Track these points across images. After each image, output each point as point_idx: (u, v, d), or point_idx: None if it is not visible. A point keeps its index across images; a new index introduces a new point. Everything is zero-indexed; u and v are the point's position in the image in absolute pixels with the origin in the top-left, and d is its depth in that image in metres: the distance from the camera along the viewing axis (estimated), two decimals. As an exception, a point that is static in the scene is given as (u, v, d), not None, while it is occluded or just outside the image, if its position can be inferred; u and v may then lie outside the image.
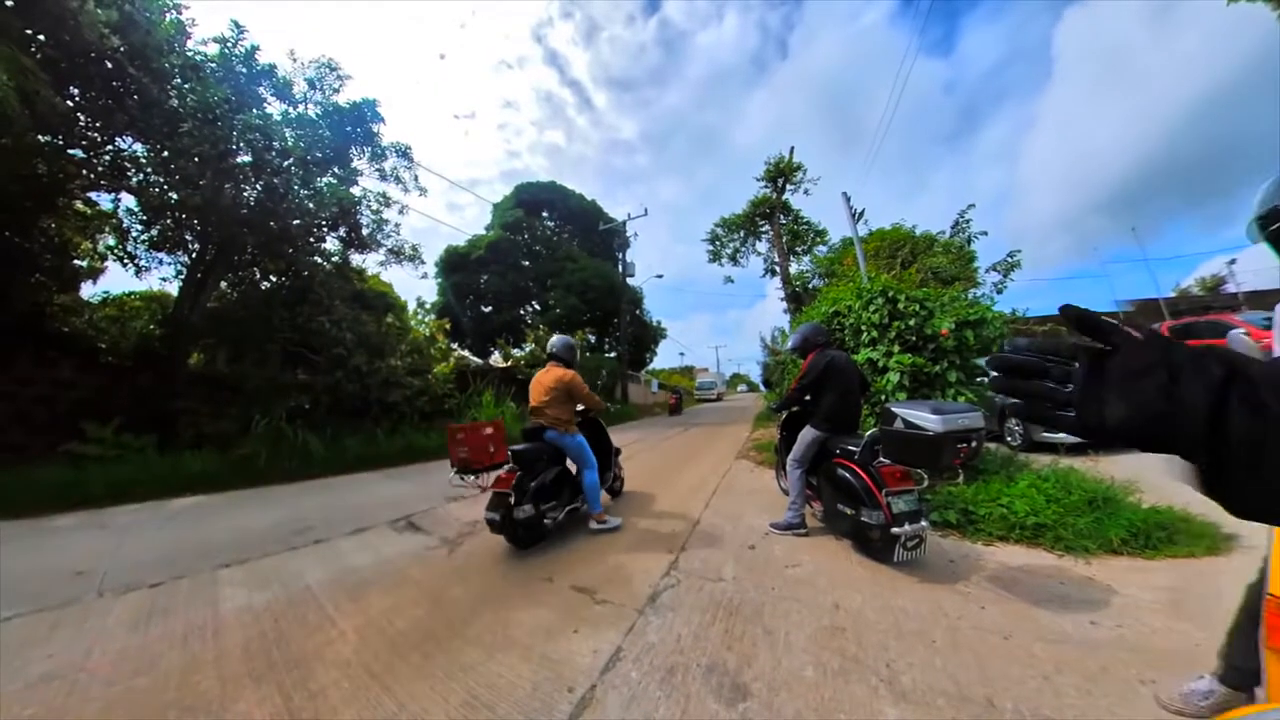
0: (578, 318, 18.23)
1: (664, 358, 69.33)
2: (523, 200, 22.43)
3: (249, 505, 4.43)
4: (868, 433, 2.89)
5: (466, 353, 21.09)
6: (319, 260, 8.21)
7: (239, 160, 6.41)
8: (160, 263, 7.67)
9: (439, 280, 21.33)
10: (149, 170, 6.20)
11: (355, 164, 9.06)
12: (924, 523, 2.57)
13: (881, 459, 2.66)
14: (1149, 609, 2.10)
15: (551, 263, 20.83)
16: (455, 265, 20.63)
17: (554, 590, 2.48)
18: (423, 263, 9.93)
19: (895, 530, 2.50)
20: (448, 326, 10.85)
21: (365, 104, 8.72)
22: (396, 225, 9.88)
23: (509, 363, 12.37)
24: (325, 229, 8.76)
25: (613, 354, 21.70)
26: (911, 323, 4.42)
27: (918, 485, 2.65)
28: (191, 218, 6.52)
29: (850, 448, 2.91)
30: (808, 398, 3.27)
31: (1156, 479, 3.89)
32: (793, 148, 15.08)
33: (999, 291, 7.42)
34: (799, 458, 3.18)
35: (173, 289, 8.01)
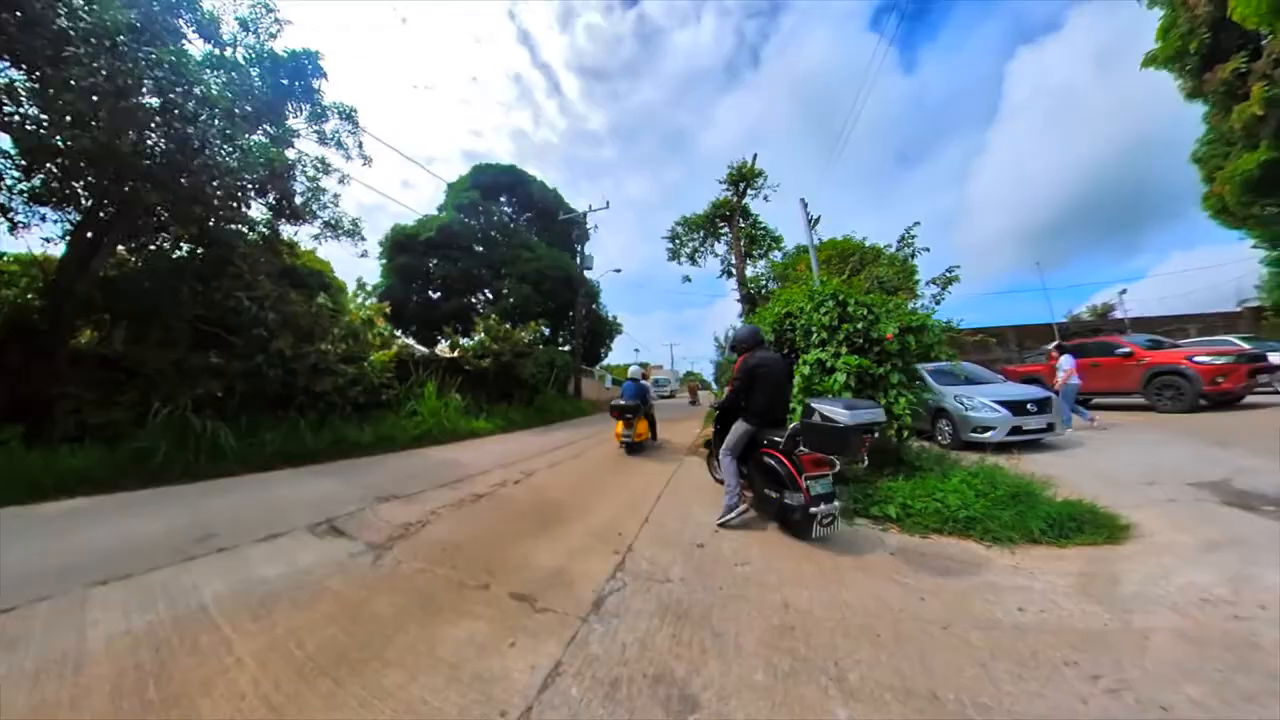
0: (531, 308, 17.70)
1: (619, 353, 69.26)
2: (480, 182, 21.43)
3: (141, 509, 3.86)
4: (792, 424, 3.21)
5: (411, 340, 20.00)
6: (241, 229, 7.33)
7: (144, 101, 5.53)
8: (42, 219, 6.53)
9: (383, 261, 20.03)
10: (28, 103, 5.21)
11: (291, 123, 8.19)
12: (836, 503, 2.98)
13: (802, 448, 2.99)
14: (1064, 594, 2.26)
15: (507, 250, 20.10)
16: (402, 246, 19.42)
17: (490, 599, 2.30)
18: (363, 239, 9.17)
19: (813, 510, 2.87)
20: (388, 310, 10.10)
21: (306, 55, 7.87)
22: (335, 196, 9.06)
23: (456, 353, 11.77)
24: (251, 193, 7.86)
25: (566, 347, 21.32)
26: (860, 326, 4.56)
27: (832, 470, 3.04)
28: (82, 166, 5.57)
29: (776, 439, 3.25)
30: (743, 395, 3.60)
31: (1070, 475, 4.32)
32: (755, 155, 15.32)
33: (937, 303, 7.88)
34: (731, 447, 3.53)
35: (58, 252, 6.89)
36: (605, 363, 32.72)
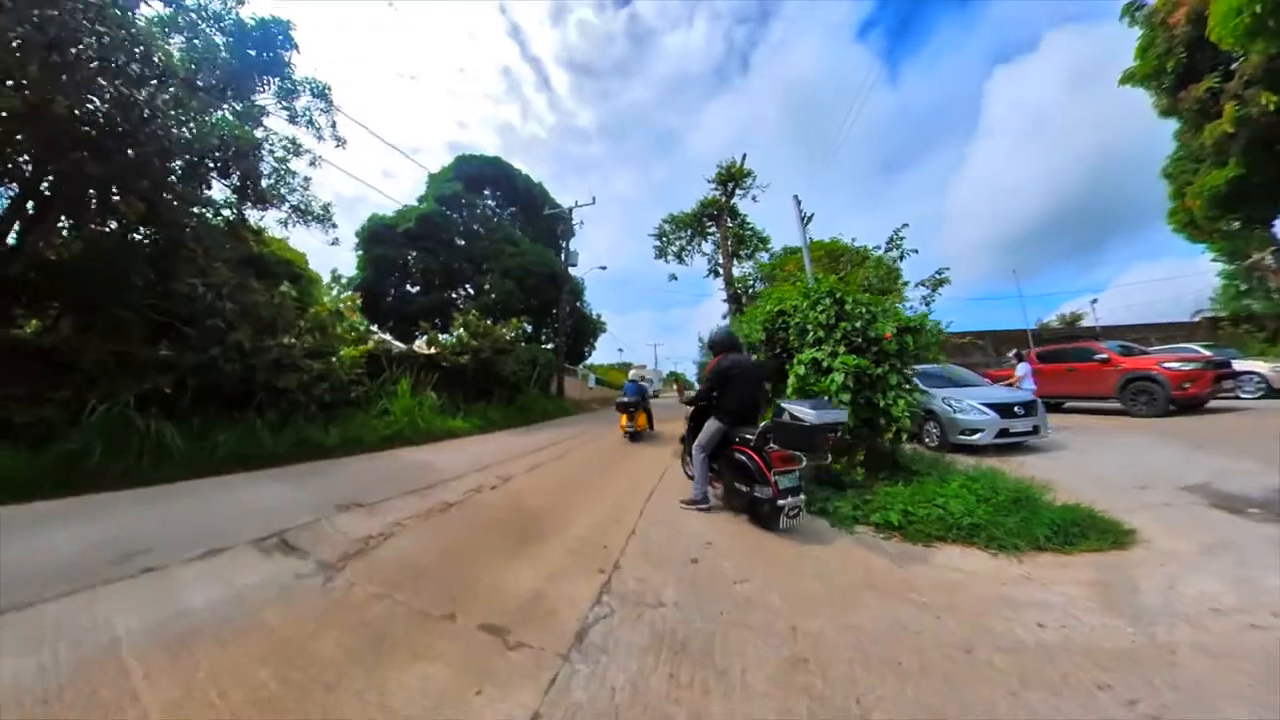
0: (514, 305, 17.25)
1: (603, 352, 68.86)
2: (463, 173, 20.83)
3: (61, 520, 3.40)
4: (763, 423, 3.43)
5: (388, 336, 19.32)
6: (196, 209, 6.77)
7: (83, 58, 4.99)
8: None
9: (359, 253, 19.31)
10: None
11: (259, 99, 7.66)
12: (802, 496, 3.18)
13: (772, 445, 3.20)
14: (1083, 607, 2.15)
15: (489, 244, 19.58)
16: (379, 237, 18.74)
17: (456, 632, 2.01)
18: (334, 225, 8.68)
19: (780, 502, 3.07)
20: (359, 301, 9.57)
21: (275, 24, 7.35)
22: (306, 179, 8.54)
23: (434, 349, 11.31)
24: (212, 173, 7.31)
25: (550, 345, 20.91)
26: (858, 324, 4.42)
27: (799, 466, 3.21)
28: (11, 128, 5.00)
29: (748, 436, 3.42)
30: (715, 394, 3.81)
31: (1062, 478, 4.26)
32: (744, 155, 15.22)
33: (927, 304, 7.84)
34: (704, 444, 3.73)
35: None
36: (589, 361, 32.37)
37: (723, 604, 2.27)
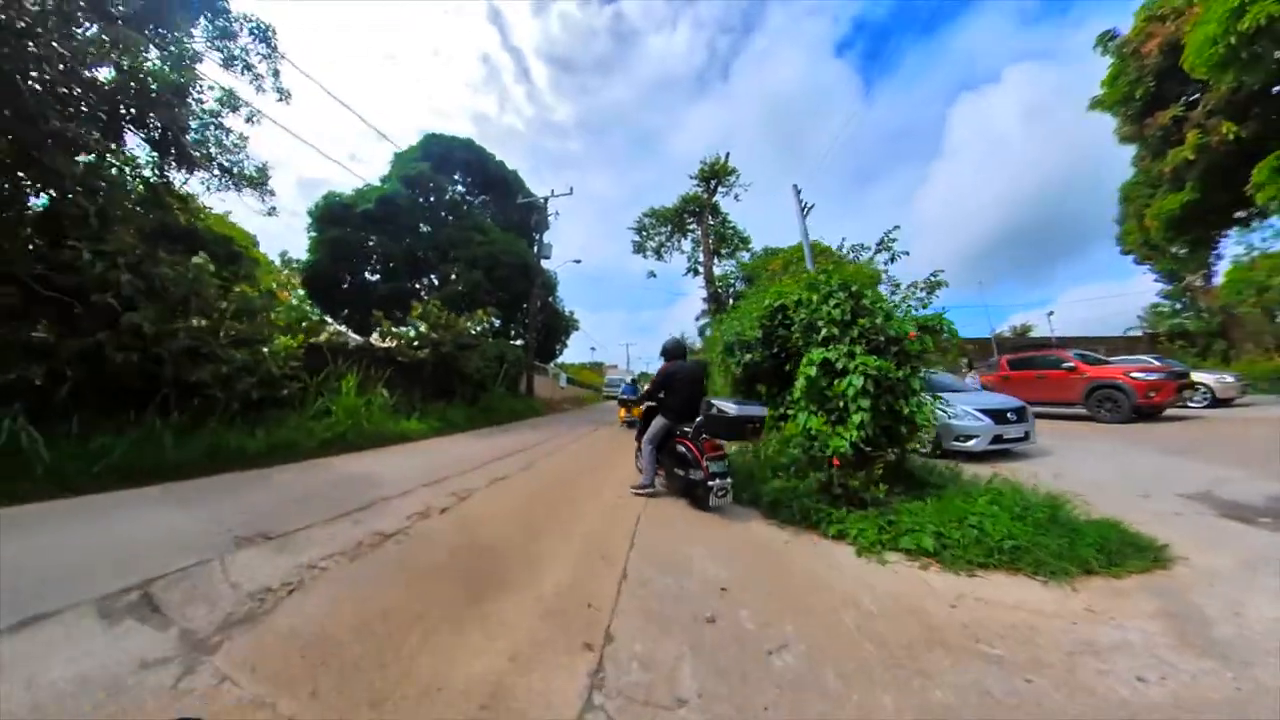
0: (481, 297, 16.19)
1: (575, 351, 67.72)
2: (432, 153, 19.44)
3: None
4: (698, 419, 4.10)
5: (344, 327, 17.88)
6: (85, 159, 5.58)
7: None
8: None
9: (313, 234, 17.75)
10: None
11: (190, 41, 6.49)
12: (729, 480, 3.79)
13: (705, 435, 3.91)
14: (1165, 645, 1.95)
15: (457, 231, 18.41)
16: (335, 217, 17.25)
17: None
18: (271, 192, 7.56)
19: (710, 483, 3.67)
20: (295, 282, 8.36)
21: None
22: (243, 137, 7.39)
23: (389, 342, 10.27)
24: (124, 119, 6.13)
25: (519, 342, 19.93)
26: (878, 320, 3.94)
27: (724, 453, 3.89)
28: None
29: (686, 429, 4.15)
30: (661, 395, 4.41)
31: (1064, 486, 3.94)
32: (728, 153, 14.80)
33: (924, 307, 7.63)
34: (652, 438, 4.36)
35: None
36: (561, 360, 31.44)
37: (762, 690, 1.67)
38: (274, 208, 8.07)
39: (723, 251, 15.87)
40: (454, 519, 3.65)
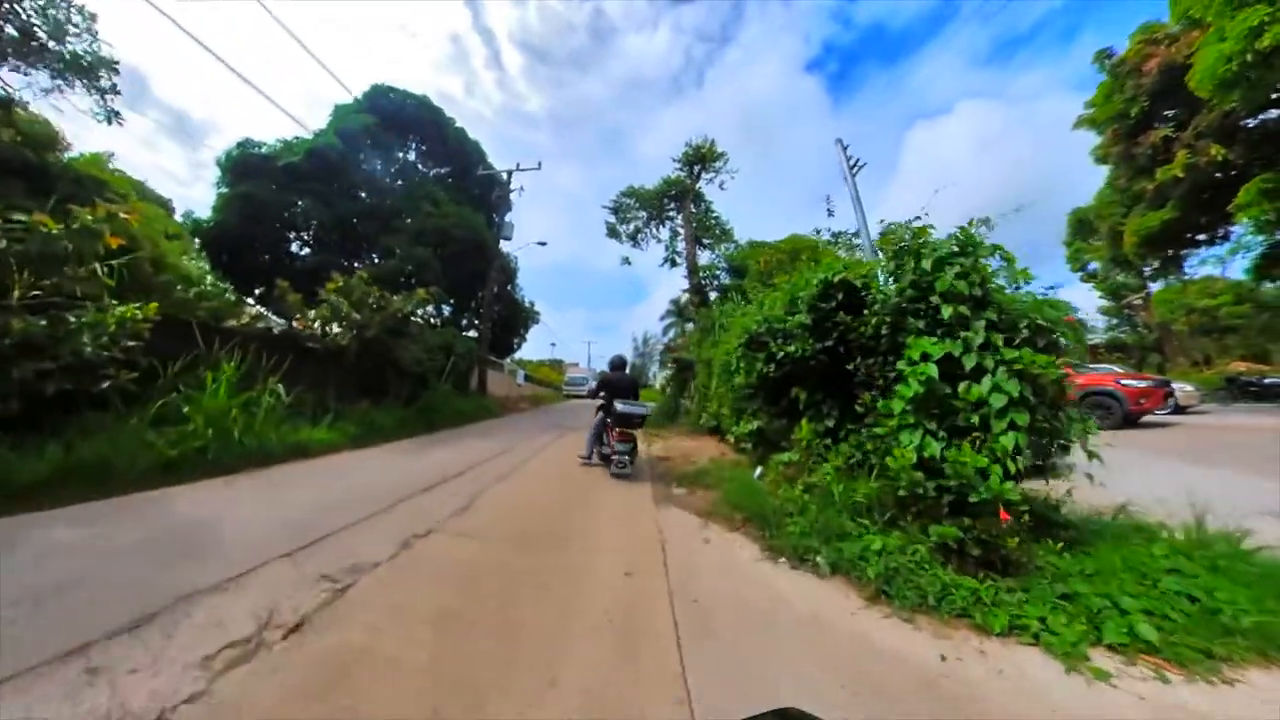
0: (428, 277, 13.95)
1: (534, 346, 64.89)
2: (380, 108, 16.75)
3: None
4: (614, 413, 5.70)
5: (263, 309, 15.03)
6: None
7: None
8: None
9: (222, 190, 14.81)
10: None
11: None
12: (628, 457, 5.46)
13: (616, 427, 5.65)
14: None
15: (405, 200, 16.01)
16: (251, 169, 14.42)
17: None
18: (116, 91, 5.37)
19: (613, 456, 5.44)
20: (129, 213, 5.43)
21: None
22: (91, 16, 5.14)
23: (296, 322, 8.11)
24: None
25: (472, 332, 17.76)
26: (1019, 307, 2.90)
27: (630, 440, 5.53)
28: None
29: (609, 421, 5.90)
30: (601, 395, 6.30)
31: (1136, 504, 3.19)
32: (713, 139, 13.44)
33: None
34: (594, 428, 6.18)
35: None
36: (518, 355, 29.16)
37: None
38: (116, 111, 5.82)
39: (704, 242, 14.54)
40: (307, 658, 1.90)
